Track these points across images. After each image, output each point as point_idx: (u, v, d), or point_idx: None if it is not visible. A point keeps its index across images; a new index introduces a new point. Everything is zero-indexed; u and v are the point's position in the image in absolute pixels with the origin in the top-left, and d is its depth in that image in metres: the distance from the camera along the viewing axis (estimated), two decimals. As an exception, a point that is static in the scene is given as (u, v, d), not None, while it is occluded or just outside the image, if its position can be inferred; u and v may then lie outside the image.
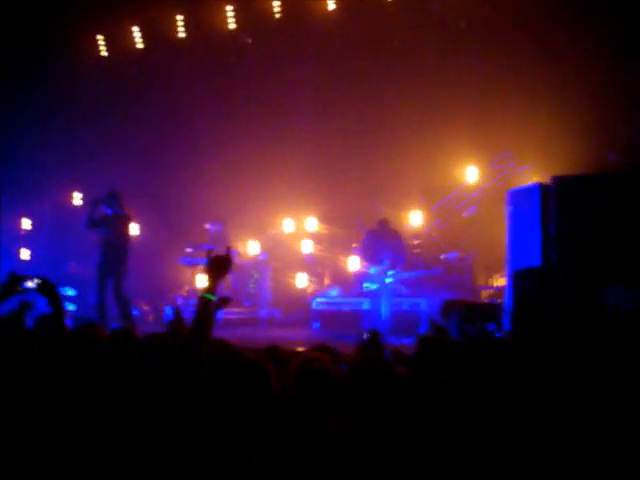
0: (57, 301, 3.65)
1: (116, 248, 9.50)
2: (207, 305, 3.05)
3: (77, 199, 13.52)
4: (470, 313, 7.91)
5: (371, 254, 10.09)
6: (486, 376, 3.58)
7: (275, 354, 4.20)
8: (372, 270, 9.96)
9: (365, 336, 5.11)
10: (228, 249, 3.24)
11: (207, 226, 12.53)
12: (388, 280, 9.79)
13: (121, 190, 9.87)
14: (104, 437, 2.77)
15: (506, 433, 3.08)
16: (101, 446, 2.73)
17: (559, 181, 7.57)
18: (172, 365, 3.06)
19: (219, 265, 3.16)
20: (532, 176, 9.98)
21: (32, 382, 2.95)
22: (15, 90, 12.59)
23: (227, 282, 11.10)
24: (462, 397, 3.27)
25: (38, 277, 3.65)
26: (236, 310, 10.93)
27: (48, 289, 3.66)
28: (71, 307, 11.24)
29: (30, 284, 3.61)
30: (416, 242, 11.56)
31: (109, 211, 9.58)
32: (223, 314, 10.07)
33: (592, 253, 7.20)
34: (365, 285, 10.35)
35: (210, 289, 3.09)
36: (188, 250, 12.31)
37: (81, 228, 9.87)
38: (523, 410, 3.21)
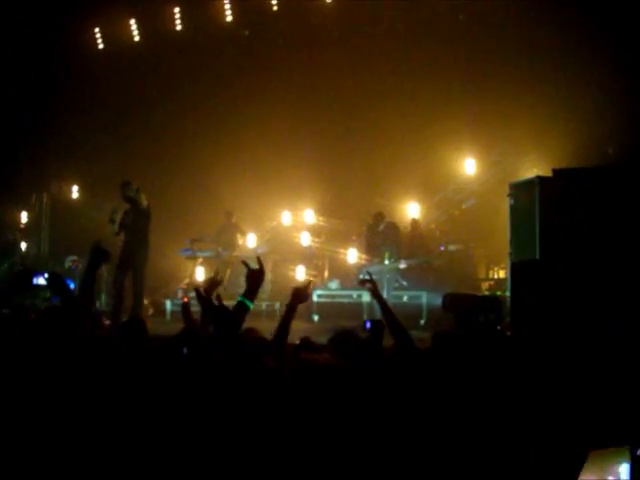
0: (67, 294, 3.64)
1: (138, 242, 9.14)
2: (244, 309, 3.30)
3: (75, 192, 13.51)
4: (474, 306, 7.93)
5: (371, 247, 10.16)
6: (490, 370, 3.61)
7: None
8: (373, 262, 10.03)
9: (367, 326, 4.68)
10: (259, 261, 3.51)
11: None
12: (387, 270, 9.83)
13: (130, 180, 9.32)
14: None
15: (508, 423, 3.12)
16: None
17: (559, 173, 7.61)
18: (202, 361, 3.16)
19: (257, 275, 3.46)
20: (532, 168, 10.02)
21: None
22: (13, 84, 12.53)
23: (227, 276, 11.13)
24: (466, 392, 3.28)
25: (47, 272, 3.68)
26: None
27: (57, 283, 3.66)
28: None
29: (41, 280, 3.64)
30: (416, 234, 11.58)
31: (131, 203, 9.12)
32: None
33: (592, 245, 7.24)
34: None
35: (250, 296, 3.36)
36: (187, 242, 12.28)
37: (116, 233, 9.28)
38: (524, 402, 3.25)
